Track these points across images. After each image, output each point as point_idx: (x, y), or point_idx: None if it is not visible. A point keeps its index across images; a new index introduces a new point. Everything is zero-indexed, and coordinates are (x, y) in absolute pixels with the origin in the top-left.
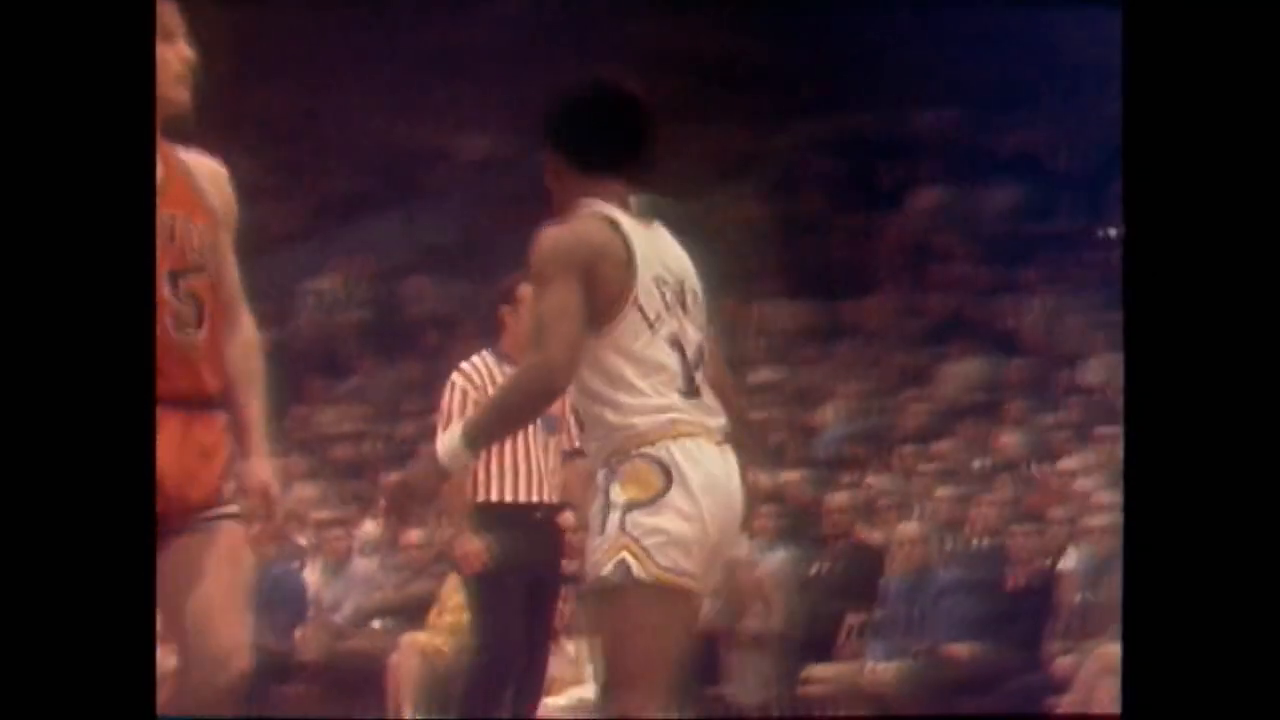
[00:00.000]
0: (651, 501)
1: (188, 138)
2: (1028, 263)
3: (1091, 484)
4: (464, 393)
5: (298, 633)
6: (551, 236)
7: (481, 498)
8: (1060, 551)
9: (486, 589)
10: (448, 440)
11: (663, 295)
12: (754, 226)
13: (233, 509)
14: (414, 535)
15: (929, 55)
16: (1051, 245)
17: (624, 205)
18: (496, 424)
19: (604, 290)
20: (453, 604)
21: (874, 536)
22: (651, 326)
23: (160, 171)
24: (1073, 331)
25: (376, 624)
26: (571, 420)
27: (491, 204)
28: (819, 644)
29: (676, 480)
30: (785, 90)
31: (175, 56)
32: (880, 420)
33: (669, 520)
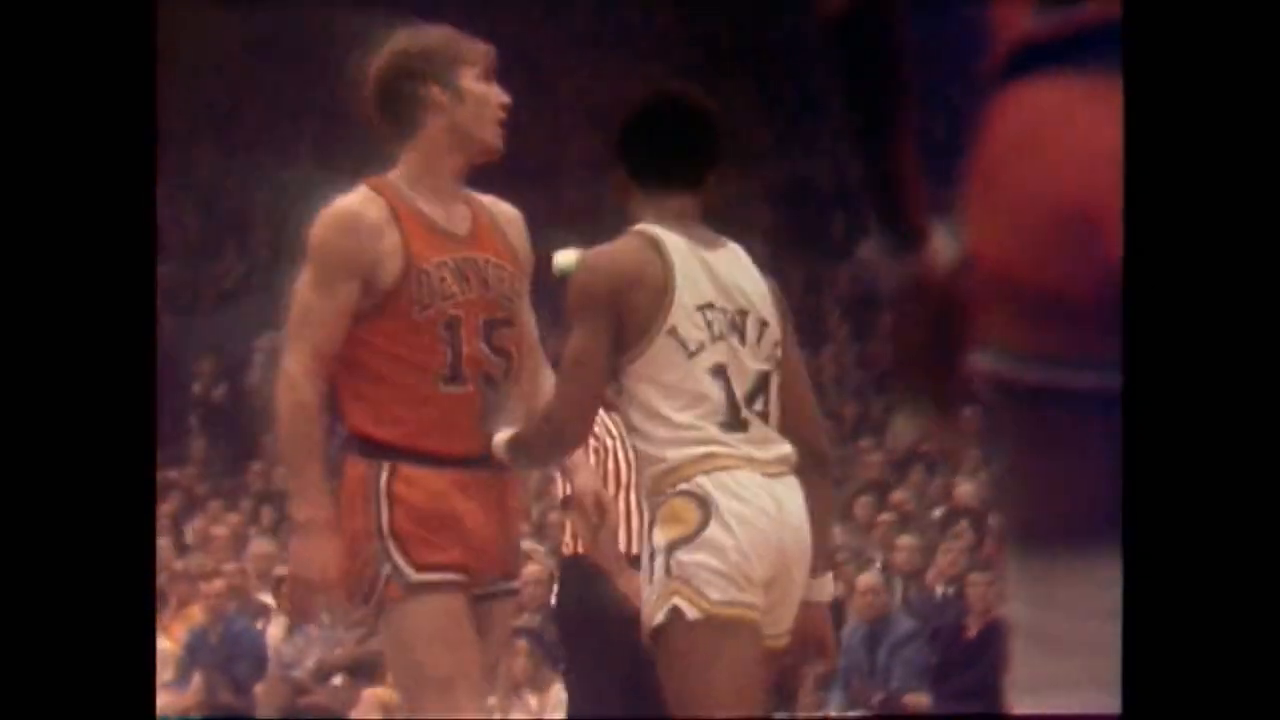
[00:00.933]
0: (692, 538)
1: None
2: None
3: None
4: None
5: (258, 688)
6: (586, 265)
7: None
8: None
9: (592, 643)
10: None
11: (709, 323)
12: None
13: (515, 584)
14: None
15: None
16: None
17: (686, 223)
18: (523, 461)
19: (634, 317)
20: None
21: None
22: (691, 356)
23: (468, 215)
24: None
25: (337, 679)
26: None
27: None
28: (780, 694)
29: (714, 513)
30: (731, 140)
31: (496, 100)
32: (836, 471)
33: (711, 555)
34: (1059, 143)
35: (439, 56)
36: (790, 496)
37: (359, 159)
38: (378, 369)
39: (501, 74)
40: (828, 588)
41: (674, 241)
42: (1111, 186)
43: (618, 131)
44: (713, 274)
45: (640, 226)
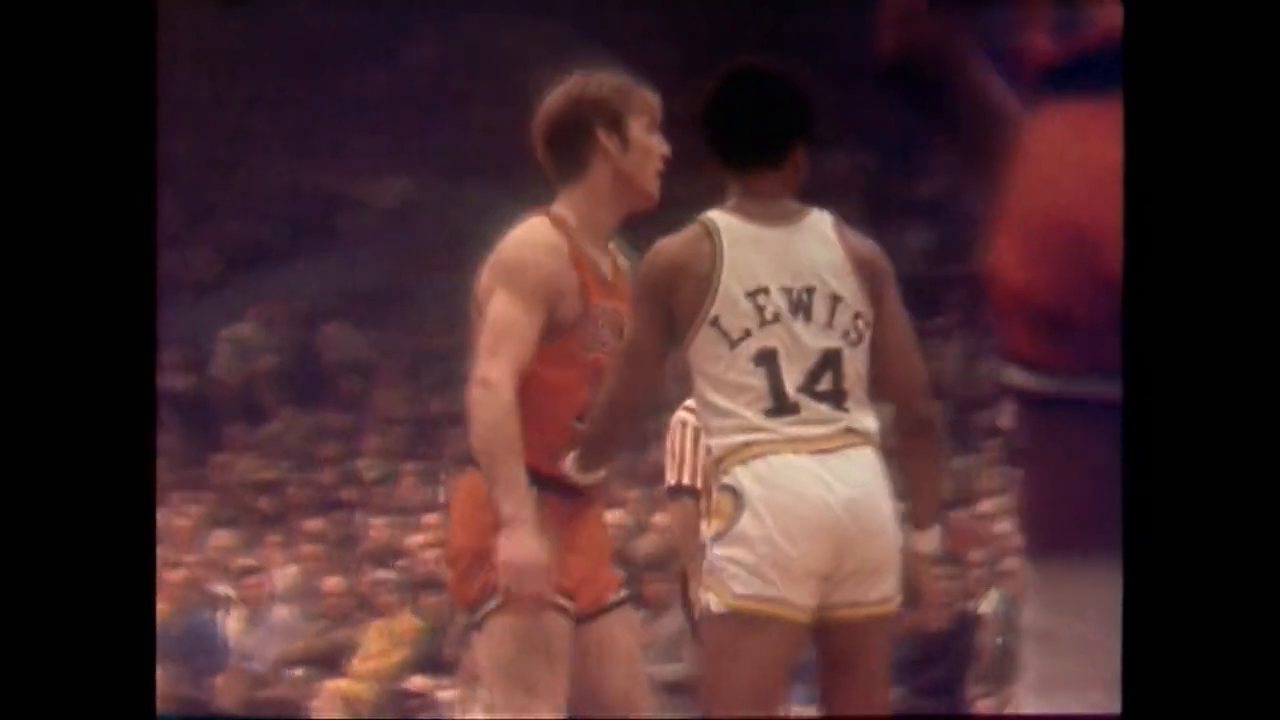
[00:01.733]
0: (726, 532)
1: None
2: (943, 306)
3: (1010, 527)
4: (696, 430)
5: (217, 680)
6: (646, 257)
7: None
8: (980, 594)
9: None
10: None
11: (760, 309)
12: None
13: (624, 593)
14: (333, 583)
15: (843, 99)
16: (966, 288)
17: (764, 200)
18: (588, 464)
19: (682, 308)
20: (375, 650)
21: None
22: (734, 345)
23: (610, 262)
24: (988, 374)
25: (298, 672)
26: None
27: (408, 250)
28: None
29: (746, 505)
30: (818, 111)
31: (659, 151)
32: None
33: (740, 548)
34: (1067, 164)
35: (613, 104)
36: (849, 469)
37: (335, 154)
38: (525, 392)
39: (477, 72)
40: (929, 540)
41: (733, 227)
42: (1114, 206)
43: (703, 108)
44: (778, 254)
45: (705, 215)
